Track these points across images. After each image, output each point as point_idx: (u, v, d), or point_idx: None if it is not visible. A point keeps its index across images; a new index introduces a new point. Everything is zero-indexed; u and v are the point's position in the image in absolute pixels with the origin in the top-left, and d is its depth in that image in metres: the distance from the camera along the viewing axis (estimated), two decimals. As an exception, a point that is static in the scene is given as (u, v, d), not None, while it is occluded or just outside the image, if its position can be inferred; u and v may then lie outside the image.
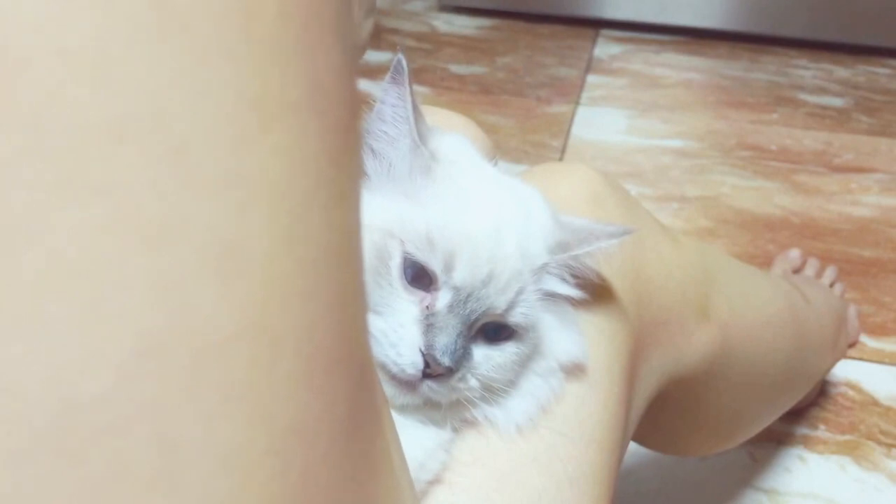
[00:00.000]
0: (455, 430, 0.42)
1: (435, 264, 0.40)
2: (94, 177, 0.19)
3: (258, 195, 0.21)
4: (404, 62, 0.41)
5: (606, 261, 0.45)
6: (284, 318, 0.22)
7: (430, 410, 0.41)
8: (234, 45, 0.20)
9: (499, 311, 0.41)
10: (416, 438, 0.40)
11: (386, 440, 0.29)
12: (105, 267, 0.19)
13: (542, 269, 0.43)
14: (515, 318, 0.41)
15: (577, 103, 1.49)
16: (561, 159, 1.34)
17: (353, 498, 0.25)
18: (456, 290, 0.40)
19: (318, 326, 0.23)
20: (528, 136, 1.40)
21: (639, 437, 0.63)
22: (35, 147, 0.18)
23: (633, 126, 1.44)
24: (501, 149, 1.33)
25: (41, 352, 0.18)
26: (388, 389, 0.40)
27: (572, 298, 0.45)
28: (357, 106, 0.26)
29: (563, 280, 0.44)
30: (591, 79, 1.56)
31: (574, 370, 0.45)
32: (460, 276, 0.40)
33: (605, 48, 1.66)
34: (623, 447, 0.49)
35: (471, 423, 0.42)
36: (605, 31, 1.71)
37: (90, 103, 0.18)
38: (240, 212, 0.21)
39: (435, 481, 0.41)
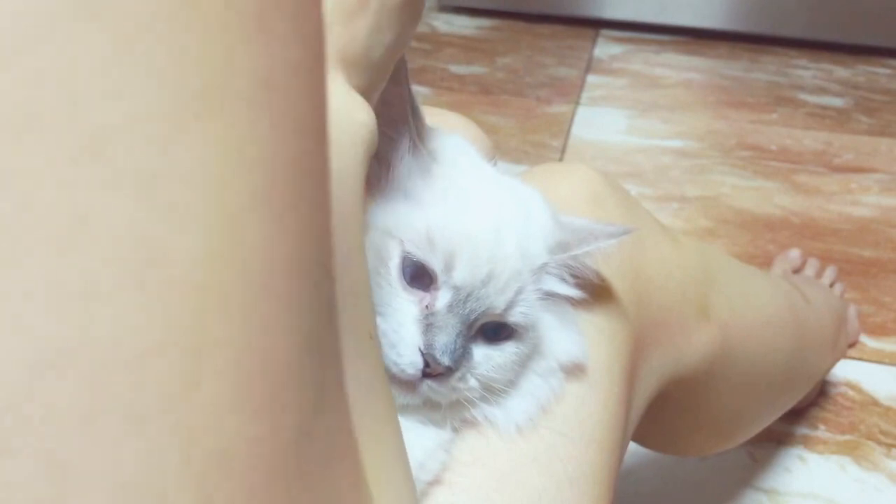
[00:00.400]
0: (455, 430, 0.42)
1: (435, 264, 0.40)
2: None
3: (190, 195, 0.19)
4: (404, 62, 0.41)
5: (606, 261, 0.45)
6: (215, 333, 0.19)
7: (430, 410, 0.41)
8: (171, 30, 0.18)
9: (498, 311, 0.41)
10: (416, 438, 0.40)
11: (347, 466, 0.26)
12: (1, 269, 0.17)
13: (542, 269, 0.43)
14: (515, 317, 0.41)
15: (577, 103, 1.49)
16: (561, 159, 1.34)
17: None
18: (456, 289, 0.40)
19: (258, 346, 0.20)
20: (528, 137, 1.40)
21: (639, 437, 0.63)
22: None
23: (633, 126, 1.44)
24: (501, 149, 1.33)
25: None
26: (388, 389, 0.40)
27: (572, 298, 0.45)
28: (324, 108, 0.23)
29: (563, 280, 0.44)
30: (591, 79, 1.56)
31: (574, 370, 0.45)
32: (460, 275, 0.40)
33: (605, 48, 1.66)
34: (623, 447, 0.49)
35: (471, 423, 0.42)
36: (605, 31, 1.71)
37: None
38: (166, 212, 0.18)
39: (435, 481, 0.41)
